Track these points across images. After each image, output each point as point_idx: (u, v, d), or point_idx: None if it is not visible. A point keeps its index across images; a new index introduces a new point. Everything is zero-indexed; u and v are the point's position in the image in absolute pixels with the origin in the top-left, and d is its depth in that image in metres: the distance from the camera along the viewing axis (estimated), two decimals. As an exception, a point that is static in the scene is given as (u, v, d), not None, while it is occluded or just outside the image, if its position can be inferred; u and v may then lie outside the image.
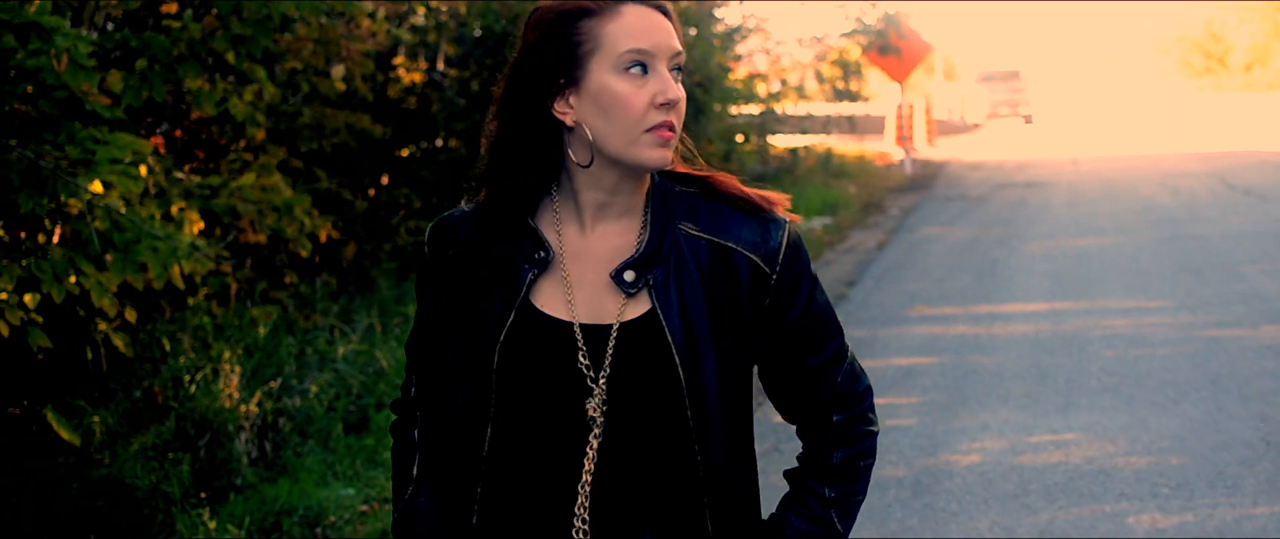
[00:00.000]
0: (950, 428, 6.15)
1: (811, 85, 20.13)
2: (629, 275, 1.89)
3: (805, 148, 19.66)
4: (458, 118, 10.24)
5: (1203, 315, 8.54)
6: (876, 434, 2.01)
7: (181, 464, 5.39)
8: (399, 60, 10.94)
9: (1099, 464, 5.51)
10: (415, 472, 2.07)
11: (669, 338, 1.86)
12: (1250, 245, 11.57)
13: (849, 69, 20.08)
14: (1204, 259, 10.96)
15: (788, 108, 18.92)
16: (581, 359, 1.88)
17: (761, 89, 18.34)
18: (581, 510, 1.88)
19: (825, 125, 20.72)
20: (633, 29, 1.85)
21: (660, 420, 1.88)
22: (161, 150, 7.45)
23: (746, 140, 17.30)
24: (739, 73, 17.08)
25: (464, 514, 1.95)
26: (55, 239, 5.85)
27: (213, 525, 4.99)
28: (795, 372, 1.96)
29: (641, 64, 1.85)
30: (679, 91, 1.85)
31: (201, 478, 5.44)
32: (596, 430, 1.87)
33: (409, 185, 10.49)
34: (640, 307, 1.89)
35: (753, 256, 1.91)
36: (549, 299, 1.92)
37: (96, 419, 5.59)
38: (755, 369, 1.99)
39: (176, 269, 5.81)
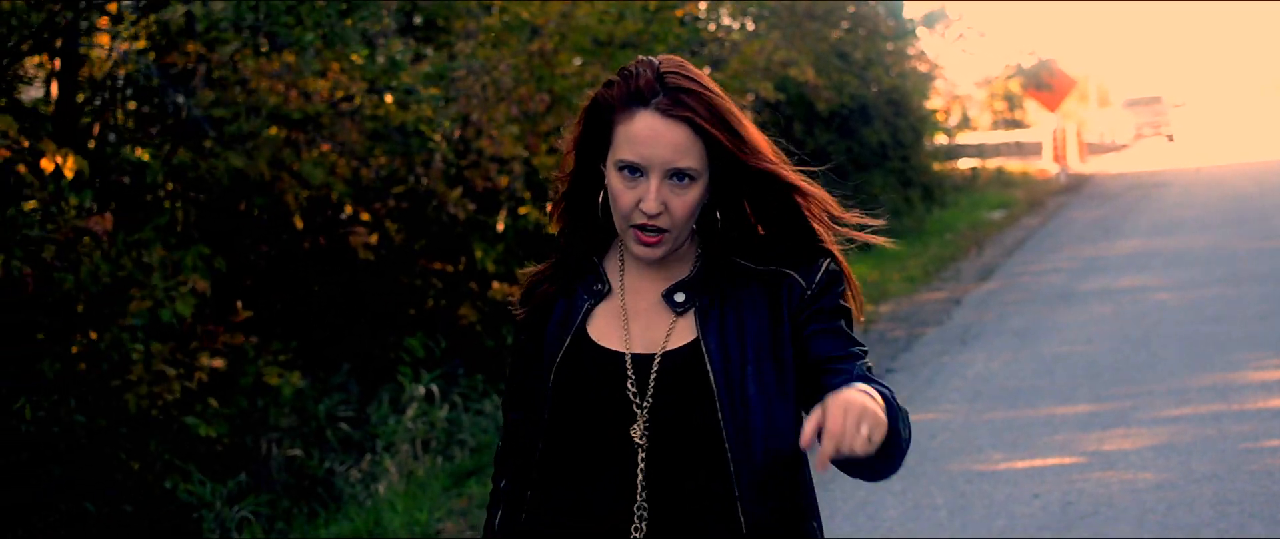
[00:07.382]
0: (1086, 274, 12.65)
1: (984, 118, 26.65)
2: (679, 296, 2.06)
3: (983, 166, 26.12)
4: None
5: (1239, 242, 14.81)
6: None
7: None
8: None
9: (1167, 292, 11.96)
10: (498, 520, 2.18)
11: (706, 361, 2.00)
12: (1291, 210, 17.77)
13: (1012, 101, 26.59)
14: (1251, 216, 17.22)
15: (966, 137, 25.38)
16: (629, 387, 2.02)
17: (941, 120, 24.88)
18: (636, 533, 2.00)
19: (996, 150, 27.17)
20: (633, 138, 1.99)
21: (702, 442, 2.01)
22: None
23: (941, 163, 23.87)
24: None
25: (515, 516, 2.12)
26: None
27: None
28: (824, 365, 2.02)
29: (634, 169, 1.99)
30: (656, 206, 1.98)
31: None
32: (642, 454, 2.01)
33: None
34: (685, 336, 2.05)
35: (794, 275, 2.06)
36: (605, 330, 2.09)
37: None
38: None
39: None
